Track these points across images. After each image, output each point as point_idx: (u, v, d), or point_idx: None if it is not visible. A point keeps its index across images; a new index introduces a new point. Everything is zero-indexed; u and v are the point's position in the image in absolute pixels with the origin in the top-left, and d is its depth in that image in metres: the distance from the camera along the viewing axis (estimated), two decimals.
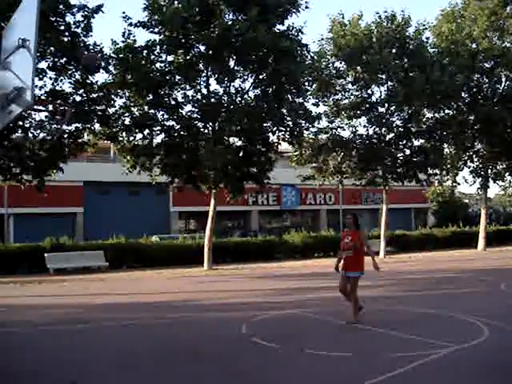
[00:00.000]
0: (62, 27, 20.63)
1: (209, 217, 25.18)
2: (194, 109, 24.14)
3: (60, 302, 15.02)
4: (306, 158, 30.35)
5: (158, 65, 23.79)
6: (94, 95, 21.81)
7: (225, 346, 8.36)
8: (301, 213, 49.85)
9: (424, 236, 37.45)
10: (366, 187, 32.84)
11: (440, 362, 7.47)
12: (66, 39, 20.57)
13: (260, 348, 8.34)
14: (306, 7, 24.35)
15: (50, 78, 20.87)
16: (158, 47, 23.45)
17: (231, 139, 24.88)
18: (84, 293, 17.07)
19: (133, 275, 22.59)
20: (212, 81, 24.61)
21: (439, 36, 31.82)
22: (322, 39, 29.92)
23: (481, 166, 35.29)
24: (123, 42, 23.11)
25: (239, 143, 25.26)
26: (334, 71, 29.91)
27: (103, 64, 20.92)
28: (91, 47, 21.16)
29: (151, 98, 23.63)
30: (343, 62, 29.91)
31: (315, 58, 27.24)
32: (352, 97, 30.43)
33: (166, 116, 24.16)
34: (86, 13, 20.95)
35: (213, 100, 24.17)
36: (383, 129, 30.23)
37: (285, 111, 24.61)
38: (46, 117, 20.58)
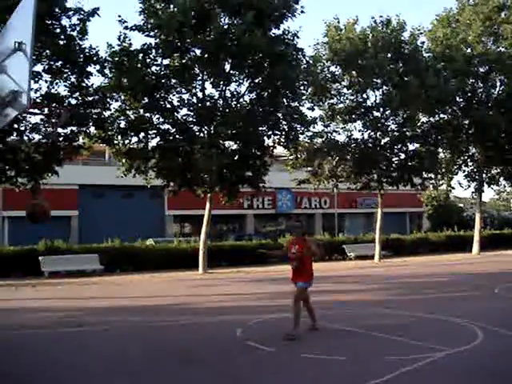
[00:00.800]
0: (58, 30, 20.65)
1: (204, 220, 25.18)
2: (189, 112, 24.23)
3: (55, 305, 14.98)
4: (301, 162, 30.37)
5: (153, 68, 23.83)
6: (90, 98, 21.83)
7: (219, 350, 8.36)
8: (296, 216, 49.79)
9: (419, 240, 37.48)
10: (361, 191, 32.91)
11: (434, 366, 7.49)
12: (61, 42, 20.58)
13: (255, 352, 8.35)
14: (302, 12, 24.46)
15: (46, 81, 20.88)
16: (154, 51, 23.50)
17: (226, 143, 24.90)
18: (79, 296, 17.04)
19: (127, 279, 22.56)
20: (207, 84, 24.65)
21: (434, 41, 31.98)
22: (318, 43, 30.01)
23: (475, 170, 35.42)
24: (119, 45, 23.15)
25: (234, 147, 25.29)
26: (330, 75, 29.98)
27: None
28: (87, 50, 21.16)
29: (146, 101, 23.65)
30: (338, 67, 29.97)
31: (311, 62, 27.30)
32: (347, 101, 30.50)
33: (161, 119, 24.18)
34: (81, 16, 20.98)
35: (208, 104, 24.23)
36: (378, 133, 30.29)
37: (280, 115, 24.69)
38: (41, 120, 20.58)
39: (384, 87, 29.97)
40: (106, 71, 22.70)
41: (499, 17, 32.64)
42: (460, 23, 33.04)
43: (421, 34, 30.78)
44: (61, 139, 21.24)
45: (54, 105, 14.46)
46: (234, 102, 24.75)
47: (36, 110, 11.25)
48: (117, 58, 22.95)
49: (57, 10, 20.38)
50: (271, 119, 24.33)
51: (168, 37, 22.96)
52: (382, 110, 30.26)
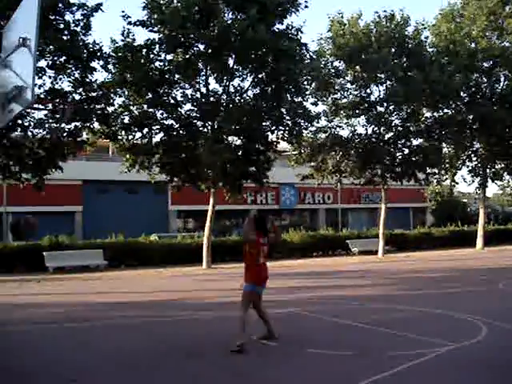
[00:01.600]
0: (62, 26, 20.64)
1: (207, 216, 25.20)
2: (193, 107, 24.19)
3: (59, 300, 15.02)
4: (304, 157, 30.36)
5: (157, 64, 23.79)
6: (94, 94, 21.80)
7: (223, 345, 8.36)
8: (299, 212, 49.81)
9: (422, 235, 37.45)
10: (364, 186, 32.88)
11: (439, 360, 7.49)
12: (65, 38, 20.57)
13: (260, 347, 8.36)
14: (306, 6, 24.36)
15: (50, 77, 20.91)
16: (158, 46, 23.45)
17: (230, 138, 24.91)
18: (83, 291, 17.08)
19: (132, 274, 22.61)
20: (211, 80, 24.64)
21: (438, 35, 31.87)
22: (321, 38, 29.96)
23: (479, 165, 35.33)
24: (122, 40, 23.14)
25: (238, 142, 25.30)
26: (333, 70, 29.92)
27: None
28: (90, 46, 21.15)
29: (150, 96, 23.63)
30: (342, 62, 29.91)
31: (314, 57, 27.20)
32: (351, 96, 30.44)
33: (165, 115, 24.16)
34: (85, 11, 20.97)
35: (212, 99, 24.22)
36: (382, 128, 30.23)
37: (284, 110, 24.65)
38: (45, 115, 20.58)
39: (388, 82, 29.92)
40: (110, 67, 22.69)
41: (503, 11, 32.53)
42: (464, 18, 32.92)
43: (425, 28, 30.72)
44: (65, 135, 21.27)
45: (57, 100, 14.45)
46: (238, 98, 24.73)
47: (40, 106, 11.26)
48: (120, 54, 22.92)
49: (60, 5, 20.37)
50: (275, 114, 24.30)
51: (171, 32, 22.92)
52: (385, 104, 30.19)
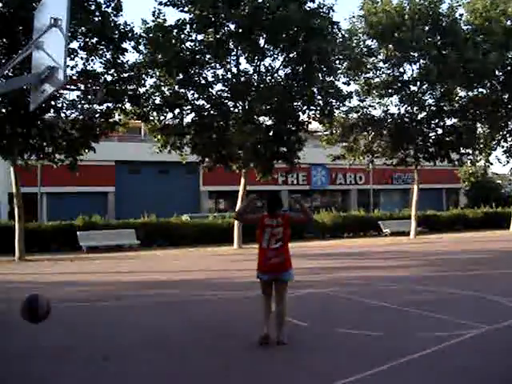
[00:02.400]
0: (93, 7, 20.74)
1: (239, 196, 25.25)
2: (224, 88, 24.21)
3: (92, 279, 15.25)
4: (336, 138, 30.13)
5: (188, 44, 23.83)
6: (125, 75, 21.89)
7: (255, 324, 8.39)
8: (330, 192, 49.59)
9: (455, 216, 37.05)
10: (396, 167, 32.54)
11: (472, 342, 7.41)
12: (96, 19, 20.67)
13: (291, 326, 8.35)
14: None
15: (82, 58, 21.06)
16: (188, 26, 23.45)
17: (261, 118, 24.88)
18: (115, 270, 17.32)
19: (164, 254, 22.83)
20: (242, 60, 24.58)
21: (473, 13, 31.09)
22: (353, 17, 29.52)
23: None
24: (153, 21, 23.22)
25: (269, 122, 25.24)
26: (366, 49, 29.48)
27: None
28: (121, 27, 21.18)
29: (181, 77, 23.69)
30: (375, 40, 29.48)
31: (346, 36, 26.93)
32: (383, 75, 30.04)
33: (196, 95, 24.24)
34: None
35: (243, 79, 24.15)
36: (415, 108, 29.84)
37: (315, 90, 24.47)
38: (77, 97, 20.77)
39: (421, 61, 29.47)
40: (141, 47, 22.80)
41: None
42: None
43: (459, 5, 30.02)
44: (97, 116, 21.45)
45: (89, 81, 14.55)
46: (269, 77, 24.64)
47: (72, 87, 11.35)
48: (151, 34, 23.02)
49: None
50: (306, 94, 24.14)
51: (202, 12, 22.88)
52: (419, 84, 29.77)
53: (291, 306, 8.80)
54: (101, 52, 21.15)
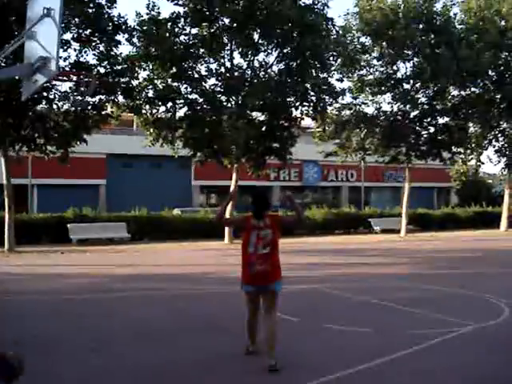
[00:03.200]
0: None
1: (230, 191, 25.21)
2: (217, 82, 24.15)
3: (83, 271, 15.20)
4: (328, 134, 30.14)
5: (182, 37, 23.75)
6: (118, 67, 21.75)
7: (244, 320, 8.39)
8: (322, 189, 49.64)
9: (446, 215, 37.18)
10: (388, 165, 32.60)
11: (459, 340, 7.45)
12: (90, 10, 20.53)
13: (281, 321, 8.34)
14: None
15: (75, 50, 20.90)
16: (183, 20, 23.39)
17: (254, 114, 24.82)
18: (106, 263, 17.29)
19: (154, 247, 22.79)
20: (236, 54, 24.53)
21: (467, 12, 31.16)
22: (348, 13, 29.47)
23: (506, 145, 34.79)
24: (147, 14, 23.09)
25: (262, 118, 25.19)
26: (359, 46, 29.48)
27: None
28: (115, 19, 21.07)
29: (174, 70, 23.61)
30: (369, 37, 29.50)
31: (340, 32, 26.89)
32: (377, 73, 30.07)
33: (189, 89, 24.17)
34: None
35: (236, 74, 24.11)
36: (408, 106, 29.86)
37: (308, 86, 24.43)
38: (70, 88, 20.67)
39: (415, 59, 29.52)
40: (135, 40, 22.70)
41: None
42: None
43: (454, 5, 30.07)
44: (89, 108, 21.32)
45: (82, 72, 14.43)
46: (263, 73, 24.63)
47: (65, 78, 11.29)
48: (145, 27, 22.91)
49: None
50: (299, 90, 24.11)
51: (197, 5, 22.84)
52: (412, 82, 29.82)
53: (281, 301, 8.80)
54: (94, 44, 21.02)
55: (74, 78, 12.32)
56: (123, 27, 21.41)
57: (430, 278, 13.53)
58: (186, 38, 23.77)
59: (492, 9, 31.02)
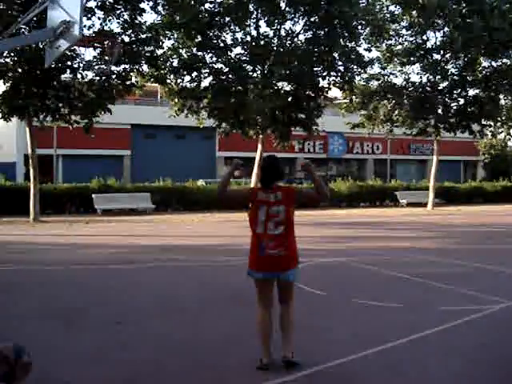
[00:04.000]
0: None
1: (255, 162, 24.97)
2: (242, 51, 23.79)
3: (108, 242, 15.17)
4: (355, 105, 29.59)
5: (207, 5, 23.45)
6: (143, 36, 21.48)
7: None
8: (347, 162, 49.21)
9: (473, 189, 36.61)
10: (416, 137, 32.00)
11: (493, 317, 7.17)
12: None
13: (307, 295, 8.15)
14: None
15: (99, 18, 20.66)
16: None
17: (280, 83, 24.43)
18: (130, 234, 17.24)
19: (178, 218, 22.73)
20: (262, 23, 24.16)
21: None
22: None
23: None
24: None
25: (288, 88, 24.79)
26: (389, 15, 28.79)
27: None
28: None
29: (200, 39, 23.31)
30: (398, 6, 28.73)
31: (369, 0, 26.24)
32: (406, 42, 29.39)
33: (214, 58, 23.93)
34: None
35: (262, 42, 23.68)
36: (437, 77, 29.18)
37: (336, 55, 23.97)
38: (94, 57, 20.46)
39: (445, 29, 28.73)
40: (159, 8, 22.35)
41: None
42: None
43: None
44: (113, 77, 21.13)
45: (106, 40, 14.24)
46: (289, 42, 24.16)
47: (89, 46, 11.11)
48: None
49: None
50: (327, 59, 23.67)
51: None
52: (442, 52, 29.11)
53: (305, 274, 8.59)
54: (118, 12, 20.75)
55: (98, 45, 12.13)
56: None
57: (460, 253, 13.19)
58: (212, 5, 23.44)
59: None
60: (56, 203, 23.99)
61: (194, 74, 23.87)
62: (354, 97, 28.75)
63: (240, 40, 23.70)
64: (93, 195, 24.49)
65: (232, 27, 23.79)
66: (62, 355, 5.57)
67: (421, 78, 29.62)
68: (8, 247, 13.83)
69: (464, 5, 28.40)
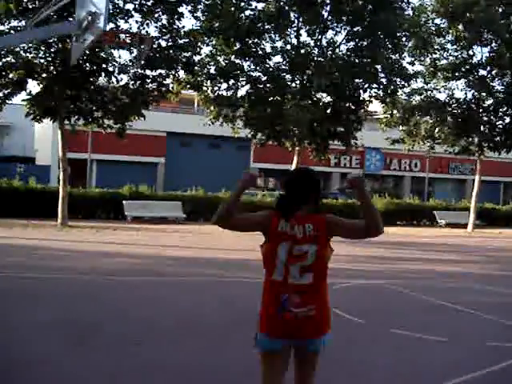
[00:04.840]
0: None
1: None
2: (282, 60, 23.22)
3: (132, 251, 14.59)
4: (396, 120, 28.67)
5: (247, 12, 23.03)
6: (180, 41, 21.04)
7: None
8: (383, 178, 48.16)
9: None
10: (457, 155, 30.87)
11: None
12: None
13: (342, 322, 7.37)
14: None
15: (136, 22, 20.25)
16: None
17: (319, 94, 23.75)
18: (158, 243, 16.68)
19: (209, 229, 22.08)
20: (303, 32, 23.54)
21: None
22: None
23: None
24: None
25: (327, 99, 24.09)
26: (434, 28, 27.86)
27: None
28: None
29: (238, 46, 22.86)
30: (444, 19, 27.80)
31: (415, 12, 25.43)
32: (451, 57, 28.37)
33: (252, 66, 23.46)
34: None
35: (302, 51, 23.05)
36: (483, 93, 28.14)
37: (379, 67, 23.19)
38: (129, 60, 20.07)
39: (493, 44, 27.69)
40: (198, 14, 21.91)
41: None
42: None
43: None
44: (148, 81, 20.70)
45: (135, 33, 13.76)
46: (330, 52, 23.48)
47: (121, 36, 10.60)
48: (210, 1, 22.11)
49: None
50: (369, 71, 22.90)
51: None
52: (488, 68, 28.05)
53: (343, 298, 7.85)
54: (156, 15, 20.35)
55: (128, 40, 11.63)
56: None
57: (507, 280, 12.25)
58: (252, 12, 22.97)
59: None
60: (86, 208, 23.67)
61: (231, 81, 23.38)
62: (395, 111, 27.89)
63: (279, 48, 23.15)
64: (123, 202, 24.08)
65: (272, 35, 23.29)
66: (67, 380, 4.93)
67: (465, 94, 28.64)
68: (26, 252, 13.33)
69: None
